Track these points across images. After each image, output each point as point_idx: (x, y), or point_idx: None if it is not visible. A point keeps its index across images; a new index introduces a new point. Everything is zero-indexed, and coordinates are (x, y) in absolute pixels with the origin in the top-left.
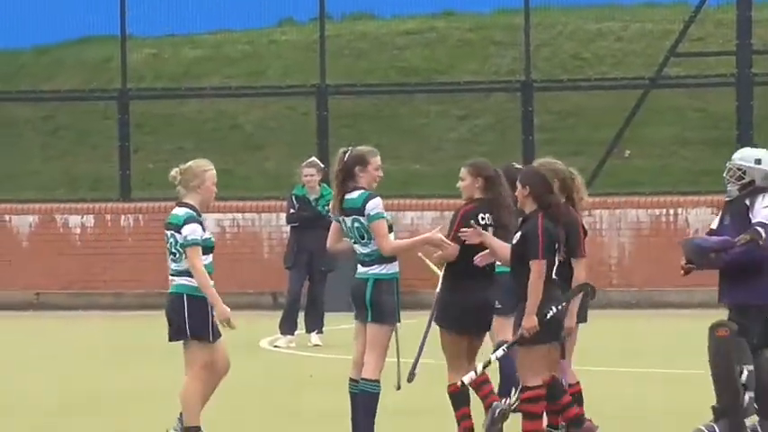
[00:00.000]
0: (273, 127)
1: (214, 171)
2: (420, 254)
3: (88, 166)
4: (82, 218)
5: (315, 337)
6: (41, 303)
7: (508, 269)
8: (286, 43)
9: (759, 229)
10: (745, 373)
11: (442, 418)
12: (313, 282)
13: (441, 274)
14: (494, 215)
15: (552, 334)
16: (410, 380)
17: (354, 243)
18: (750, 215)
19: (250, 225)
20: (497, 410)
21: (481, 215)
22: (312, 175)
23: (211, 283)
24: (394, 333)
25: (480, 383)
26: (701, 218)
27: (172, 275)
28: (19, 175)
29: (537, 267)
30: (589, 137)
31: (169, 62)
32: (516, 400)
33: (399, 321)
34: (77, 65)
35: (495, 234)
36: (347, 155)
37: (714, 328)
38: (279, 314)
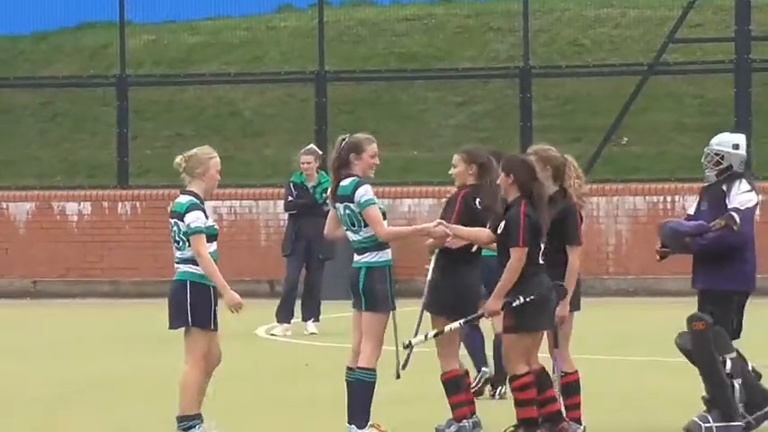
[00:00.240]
0: (272, 113)
1: (218, 158)
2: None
3: (86, 152)
4: (79, 205)
5: (311, 326)
6: (39, 291)
7: (494, 253)
8: (285, 29)
9: (734, 214)
10: (728, 362)
11: (437, 406)
12: (310, 270)
13: (432, 259)
14: (483, 201)
15: (536, 323)
16: (404, 367)
17: (347, 230)
18: (726, 201)
19: (247, 212)
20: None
21: (478, 200)
22: (309, 163)
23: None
24: (391, 321)
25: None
26: None
27: (177, 263)
28: (17, 162)
29: (517, 255)
30: (587, 123)
31: (168, 48)
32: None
33: (394, 309)
34: (76, 51)
35: (487, 218)
36: (344, 142)
37: (691, 321)
38: (276, 302)
